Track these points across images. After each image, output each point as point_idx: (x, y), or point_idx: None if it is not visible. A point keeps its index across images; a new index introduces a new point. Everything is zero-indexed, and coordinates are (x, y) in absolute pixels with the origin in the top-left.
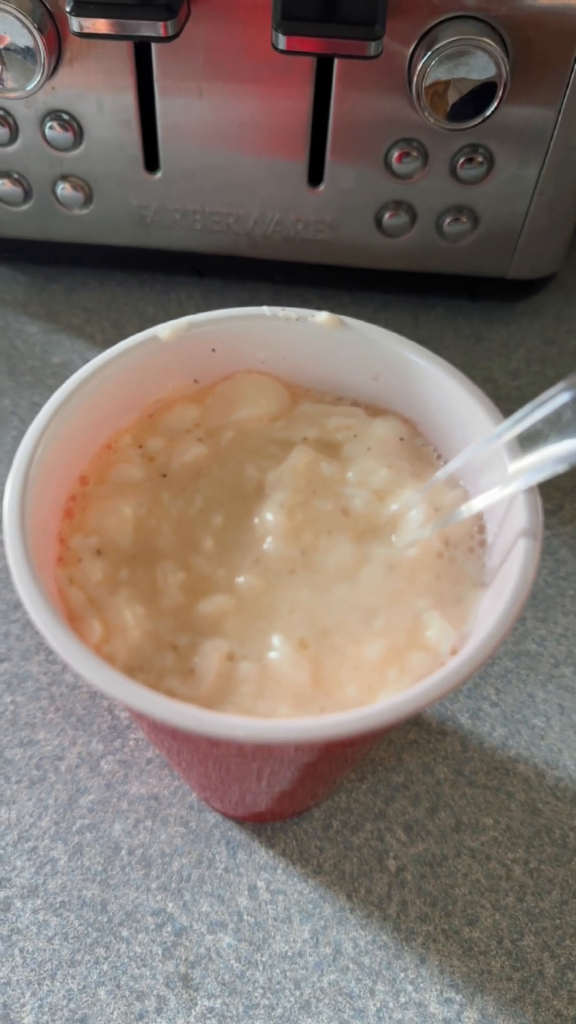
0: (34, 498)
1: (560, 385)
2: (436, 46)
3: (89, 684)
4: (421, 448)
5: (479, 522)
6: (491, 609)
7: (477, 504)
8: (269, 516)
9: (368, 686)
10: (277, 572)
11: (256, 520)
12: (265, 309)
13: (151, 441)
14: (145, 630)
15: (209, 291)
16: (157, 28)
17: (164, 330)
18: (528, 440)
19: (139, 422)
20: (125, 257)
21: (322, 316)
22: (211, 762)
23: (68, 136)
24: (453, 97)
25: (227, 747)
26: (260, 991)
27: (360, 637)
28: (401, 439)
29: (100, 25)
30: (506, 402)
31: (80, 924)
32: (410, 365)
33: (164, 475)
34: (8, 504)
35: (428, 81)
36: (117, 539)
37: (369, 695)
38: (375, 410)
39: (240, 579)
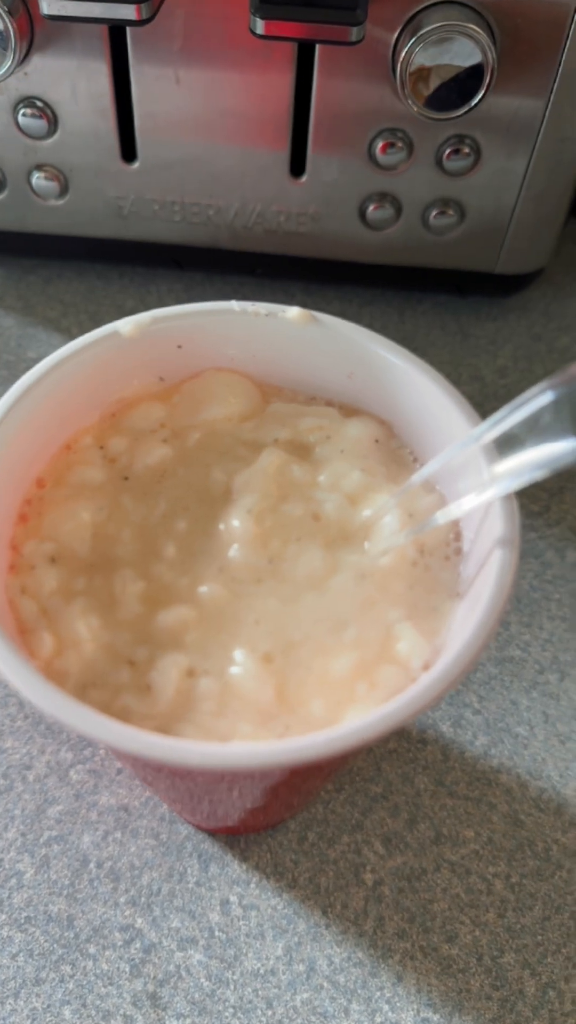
0: None
1: (540, 386)
2: (421, 32)
3: (33, 707)
4: (397, 450)
5: (455, 529)
6: (466, 621)
7: (453, 511)
8: (236, 522)
9: (335, 702)
10: (242, 581)
11: (222, 526)
12: (234, 304)
13: (113, 442)
14: (100, 643)
15: (191, 284)
16: (130, 11)
17: (126, 325)
18: (506, 444)
19: (101, 422)
20: (103, 249)
21: (293, 312)
22: (177, 779)
23: (42, 124)
24: (438, 85)
25: (179, 770)
26: (231, 1010)
27: (328, 650)
28: (376, 441)
29: (71, 7)
30: (493, 400)
31: (46, 940)
32: (386, 364)
33: (126, 478)
34: None
35: (412, 68)
36: (74, 546)
37: (336, 712)
38: (349, 410)
39: (203, 588)
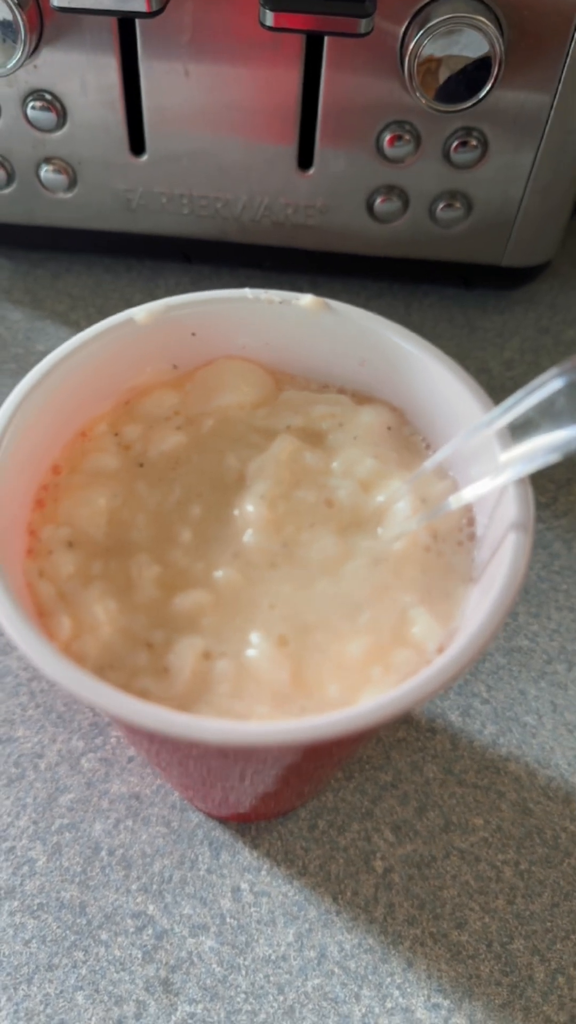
0: (2, 488)
1: (553, 371)
2: (429, 24)
3: (55, 685)
4: (409, 437)
5: (468, 514)
6: (480, 605)
7: (466, 495)
8: (250, 507)
9: (351, 685)
10: (257, 566)
11: (236, 512)
12: (247, 291)
13: (127, 429)
14: (118, 626)
15: (198, 277)
16: (140, 3)
17: (140, 312)
18: (520, 429)
19: (115, 409)
20: (111, 242)
21: (306, 299)
22: (191, 763)
23: (51, 116)
24: (446, 77)
25: (200, 747)
26: (243, 996)
27: (343, 634)
28: (388, 428)
29: (81, 0)
30: (500, 392)
31: (58, 927)
32: (398, 351)
33: (141, 464)
34: None
35: (420, 60)
36: (90, 531)
37: (351, 694)
38: (362, 397)
39: (218, 573)
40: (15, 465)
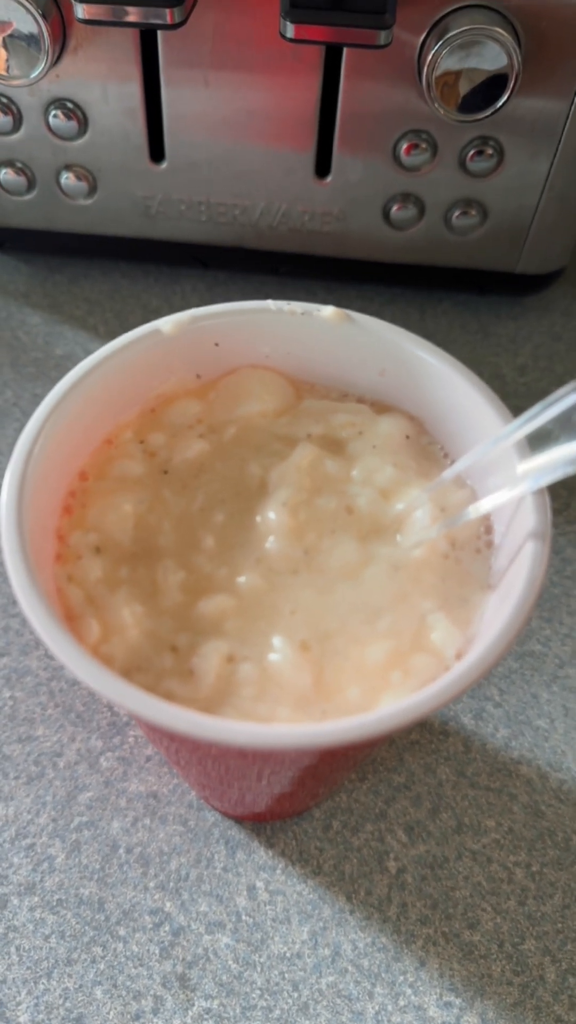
0: (33, 494)
1: (571, 385)
2: (447, 36)
3: (86, 686)
4: (428, 446)
5: (486, 523)
6: (498, 612)
7: (485, 505)
8: (272, 514)
9: (371, 689)
10: (279, 572)
11: (258, 518)
12: (270, 303)
13: (152, 436)
14: (144, 630)
15: (215, 283)
16: (163, 15)
17: (167, 323)
18: (538, 440)
19: (140, 417)
20: (129, 248)
21: (328, 311)
22: (210, 762)
23: (72, 125)
24: (463, 88)
25: (226, 749)
26: (258, 992)
27: (363, 639)
28: (407, 437)
29: (105, 12)
30: (513, 398)
31: (77, 922)
32: (418, 362)
33: (165, 471)
34: (6, 500)
35: (438, 71)
36: (117, 536)
37: (372, 699)
38: (381, 407)
39: (241, 579)
40: (45, 472)
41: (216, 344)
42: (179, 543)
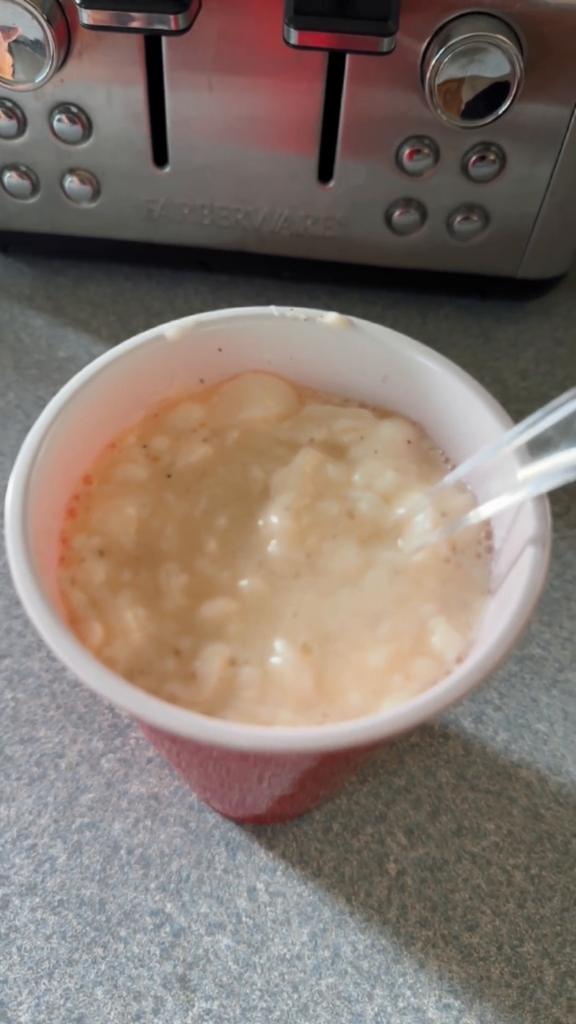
0: (37, 497)
1: (572, 391)
2: (450, 42)
3: (89, 688)
4: (429, 451)
5: (486, 527)
6: (498, 616)
7: (485, 511)
8: (274, 518)
9: (372, 693)
10: (281, 575)
11: (261, 522)
12: (273, 309)
13: (156, 441)
14: (147, 633)
15: (217, 286)
16: (168, 21)
17: (171, 329)
18: (538, 446)
19: (144, 421)
20: (132, 251)
21: (330, 317)
22: (211, 764)
23: (77, 129)
24: (466, 94)
25: (227, 751)
26: (258, 993)
27: (364, 643)
28: (409, 442)
29: (110, 18)
30: (514, 402)
31: (78, 923)
32: (419, 368)
33: (168, 475)
34: (11, 504)
35: (441, 78)
36: (120, 540)
37: (373, 702)
38: (383, 412)
39: (244, 582)
40: (50, 475)
41: (219, 349)
42: (182, 547)
